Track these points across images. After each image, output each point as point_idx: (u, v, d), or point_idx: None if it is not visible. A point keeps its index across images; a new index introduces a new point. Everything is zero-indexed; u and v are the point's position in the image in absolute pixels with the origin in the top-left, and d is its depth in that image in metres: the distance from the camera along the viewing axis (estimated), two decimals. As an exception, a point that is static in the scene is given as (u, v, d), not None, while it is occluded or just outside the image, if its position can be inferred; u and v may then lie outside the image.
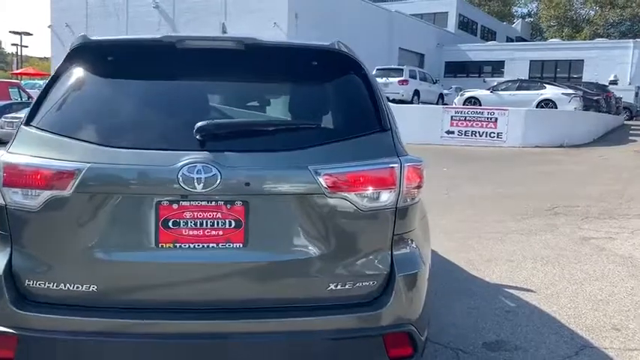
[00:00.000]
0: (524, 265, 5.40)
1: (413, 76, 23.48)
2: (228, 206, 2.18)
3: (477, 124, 19.02)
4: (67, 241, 2.18)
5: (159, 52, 2.42)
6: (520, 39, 52.61)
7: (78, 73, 2.40)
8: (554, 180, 11.38)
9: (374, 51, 32.46)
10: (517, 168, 13.35)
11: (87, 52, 2.42)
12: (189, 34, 2.45)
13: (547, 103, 20.52)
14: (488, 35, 50.66)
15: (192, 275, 2.21)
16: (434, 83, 25.74)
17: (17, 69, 44.82)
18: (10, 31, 61.49)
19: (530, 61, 37.70)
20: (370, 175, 2.24)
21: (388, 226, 2.30)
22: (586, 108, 20.83)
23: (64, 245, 2.18)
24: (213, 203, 2.17)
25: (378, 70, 23.41)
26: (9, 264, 2.21)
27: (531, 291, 4.68)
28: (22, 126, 2.30)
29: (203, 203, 2.17)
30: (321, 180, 2.17)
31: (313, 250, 2.23)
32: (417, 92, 23.21)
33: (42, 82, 31.39)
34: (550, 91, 20.91)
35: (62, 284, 2.19)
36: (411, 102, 22.44)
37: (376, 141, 2.34)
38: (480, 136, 18.84)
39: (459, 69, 40.07)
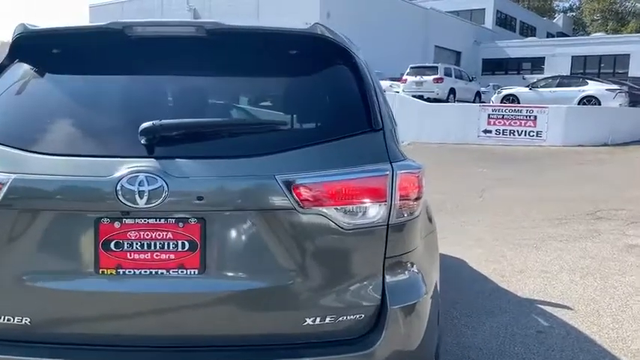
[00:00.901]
0: (560, 278, 4.88)
1: (448, 74, 22.87)
2: (181, 225, 1.81)
3: (515, 123, 18.29)
4: None
5: (105, 42, 2.06)
6: (561, 34, 50.96)
7: (15, 68, 2.09)
8: (597, 181, 10.66)
9: (409, 49, 31.90)
10: (557, 168, 12.65)
11: (27, 44, 2.09)
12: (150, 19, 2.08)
13: (590, 100, 19.57)
14: (528, 31, 49.20)
15: (138, 308, 1.86)
16: (470, 81, 25.02)
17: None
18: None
19: (572, 56, 36.32)
20: (354, 186, 1.84)
21: (378, 247, 1.89)
22: (632, 104, 19.75)
23: None
24: (162, 221, 1.81)
25: (411, 68, 22.91)
26: None
27: (568, 308, 4.17)
28: None
29: (150, 221, 1.81)
30: (292, 192, 1.78)
31: (285, 278, 1.84)
32: (452, 90, 22.60)
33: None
34: (593, 87, 19.95)
35: None
36: (447, 100, 21.83)
37: (363, 143, 1.93)
38: (519, 135, 18.12)
39: (497, 66, 38.96)
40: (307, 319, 1.85)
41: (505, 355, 3.39)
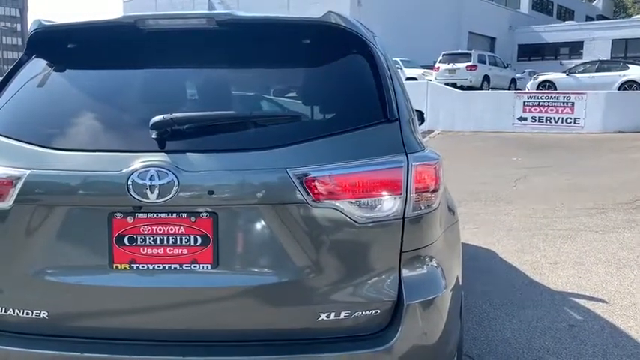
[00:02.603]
0: (595, 270, 4.72)
1: (482, 61, 22.42)
2: (193, 219, 1.79)
3: (551, 110, 17.83)
4: (11, 260, 1.88)
5: (118, 36, 2.05)
6: (601, 17, 49.31)
7: (31, 64, 2.10)
8: (637, 169, 10.30)
9: (442, 36, 31.37)
10: (595, 156, 12.27)
11: (41, 41, 2.11)
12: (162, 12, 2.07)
13: (631, 85, 18.90)
14: (566, 15, 47.77)
15: (152, 302, 1.86)
16: (505, 67, 24.48)
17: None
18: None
19: (613, 40, 35.09)
20: (368, 179, 1.78)
21: (394, 241, 1.84)
22: (676, 88, 19.04)
23: (8, 264, 1.88)
24: (175, 216, 1.79)
25: (444, 55, 22.54)
26: None
27: (603, 301, 4.03)
28: None
29: (163, 216, 1.80)
30: (304, 186, 1.74)
31: (298, 273, 1.81)
32: (486, 77, 22.16)
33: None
34: (634, 72, 19.24)
35: (11, 309, 1.89)
36: (481, 88, 21.42)
37: (378, 134, 1.88)
38: (555, 122, 17.66)
39: (533, 52, 37.95)
40: (322, 315, 1.82)
41: (534, 349, 3.30)
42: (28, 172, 1.81)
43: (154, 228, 1.80)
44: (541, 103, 18.06)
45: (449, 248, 2.10)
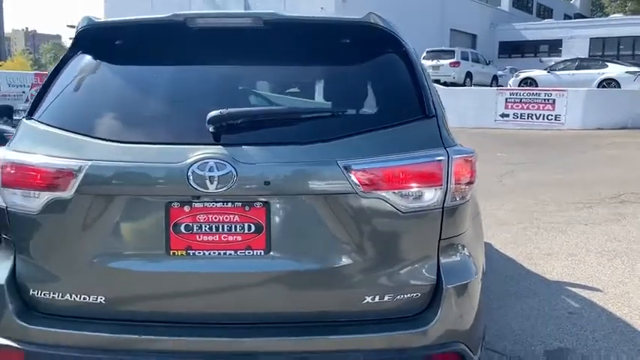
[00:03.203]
0: (588, 260, 4.94)
1: (465, 58, 22.75)
2: (247, 208, 1.90)
3: (533, 107, 18.19)
4: (71, 248, 1.97)
5: (168, 33, 2.15)
6: (579, 16, 50.06)
7: (82, 59, 2.18)
8: (619, 165, 10.62)
9: (424, 33, 31.51)
10: (577, 152, 12.59)
11: (91, 37, 2.19)
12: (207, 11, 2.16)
13: (609, 83, 19.37)
14: (545, 13, 48.41)
15: (208, 286, 1.96)
16: (487, 64, 24.84)
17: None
18: (67, 25, 63.41)
19: (591, 38, 35.73)
20: (411, 171, 1.91)
21: (434, 229, 1.97)
22: (653, 87, 19.55)
23: (67, 252, 1.97)
24: (230, 205, 1.90)
25: (427, 52, 22.77)
26: (12, 272, 2.02)
27: (597, 290, 4.23)
28: (24, 120, 2.10)
29: (218, 205, 1.90)
30: (353, 177, 1.87)
31: (345, 258, 1.93)
32: (469, 74, 22.50)
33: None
34: (613, 70, 19.72)
35: (68, 295, 1.98)
36: (464, 84, 21.72)
37: (418, 130, 2.01)
38: (537, 118, 18.03)
39: (514, 49, 38.45)
40: (367, 298, 1.95)
41: (537, 335, 3.47)
42: (89, 163, 1.89)
43: (210, 216, 1.91)
44: (523, 100, 18.40)
45: (476, 237, 2.24)
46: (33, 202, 1.94)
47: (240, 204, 1.90)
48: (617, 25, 35.44)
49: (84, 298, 1.97)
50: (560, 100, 17.71)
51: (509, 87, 20.97)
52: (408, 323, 1.97)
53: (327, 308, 1.97)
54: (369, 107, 2.11)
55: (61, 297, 1.99)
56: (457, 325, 2.00)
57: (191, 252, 1.93)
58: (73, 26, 51.19)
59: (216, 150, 1.87)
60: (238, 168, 1.84)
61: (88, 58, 2.18)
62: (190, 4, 33.60)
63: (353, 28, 2.17)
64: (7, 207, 2.00)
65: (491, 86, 22.76)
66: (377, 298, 1.95)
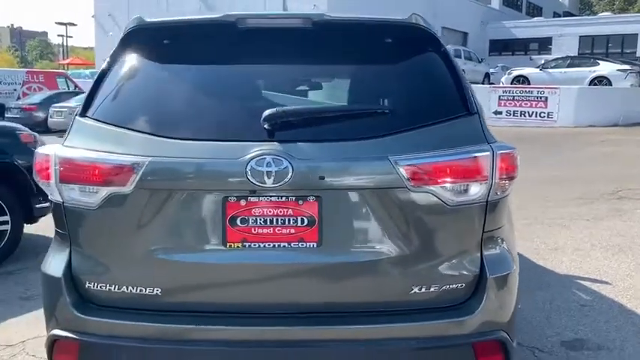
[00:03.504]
0: (593, 255, 5.06)
1: (457, 56, 22.85)
2: (301, 202, 1.98)
3: (526, 104, 18.41)
4: (128, 241, 2.03)
5: (219, 33, 2.22)
6: (568, 14, 50.56)
7: (133, 58, 2.23)
8: (614, 162, 10.81)
9: (416, 31, 31.58)
10: (571, 149, 12.79)
11: (142, 36, 2.24)
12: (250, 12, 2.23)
13: (601, 81, 19.61)
14: (534, 11, 48.88)
15: (261, 277, 2.03)
16: (479, 62, 25.03)
17: (63, 59, 45.86)
18: (56, 22, 62.83)
19: (580, 36, 36.14)
20: (458, 166, 1.99)
21: (478, 222, 2.06)
22: (643, 84, 19.85)
23: (124, 245, 2.04)
24: (284, 199, 1.98)
25: (421, 50, 22.81)
26: (69, 265, 2.09)
27: (606, 283, 4.36)
28: (77, 117, 2.15)
29: (273, 199, 1.98)
30: (404, 172, 1.94)
31: (394, 250, 2.01)
32: (462, 72, 22.60)
33: (88, 72, 32.02)
34: (604, 68, 19.97)
35: (125, 287, 2.05)
36: (456, 82, 21.81)
37: (462, 126, 2.09)
38: (530, 116, 18.25)
39: (504, 47, 38.79)
40: (414, 288, 2.03)
41: (553, 326, 3.58)
42: (149, 159, 1.95)
43: (265, 210, 1.98)
44: (516, 98, 18.60)
45: (510, 231, 2.33)
46: (92, 197, 2.00)
47: (294, 198, 1.97)
48: (606, 23, 35.84)
49: (140, 290, 2.03)
50: (552, 97, 17.93)
51: (501, 84, 21.16)
52: (453, 312, 2.05)
53: (376, 298, 2.05)
54: (416, 104, 2.18)
55: (117, 289, 2.05)
56: (498, 314, 2.09)
57: (246, 244, 2.00)
58: (62, 23, 50.81)
59: (273, 146, 1.94)
60: (294, 163, 1.92)
61: (138, 57, 2.23)
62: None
63: (397, 28, 2.25)
64: (63, 202, 2.05)
65: (483, 84, 22.94)
66: (423, 289, 2.03)
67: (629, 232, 5.76)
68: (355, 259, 2.01)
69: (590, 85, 19.48)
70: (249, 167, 1.91)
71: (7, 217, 4.78)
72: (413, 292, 2.03)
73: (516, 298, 2.18)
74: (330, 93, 2.33)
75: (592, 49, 34.69)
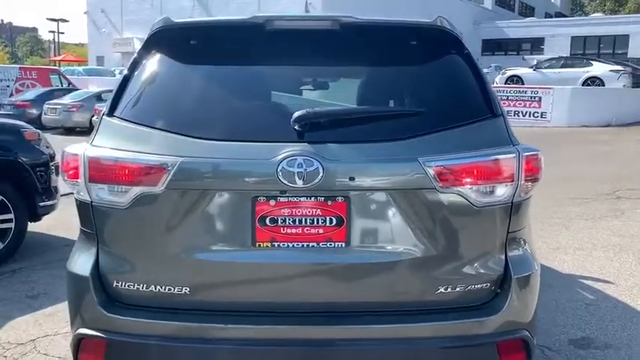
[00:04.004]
0: (595, 254, 5.12)
1: (452, 55, 22.90)
2: (329, 202, 2.00)
3: (519, 104, 18.51)
4: (157, 240, 2.04)
5: (247, 35, 2.23)
6: (560, 14, 50.92)
7: (160, 59, 2.23)
8: (609, 161, 10.92)
9: (409, 30, 31.67)
10: (566, 149, 12.87)
11: (168, 37, 2.25)
12: (276, 13, 2.25)
13: (594, 81, 19.77)
14: (527, 11, 49.16)
15: (290, 276, 2.05)
16: (473, 62, 25.08)
17: (55, 56, 45.51)
18: (47, 18, 62.29)
19: (572, 37, 36.42)
20: (486, 167, 2.02)
21: (503, 223, 2.09)
22: (636, 85, 20.01)
23: (153, 244, 2.05)
24: (313, 199, 2.00)
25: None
26: (96, 264, 2.10)
27: (609, 282, 4.42)
28: (105, 117, 2.15)
29: (302, 199, 2.00)
30: (432, 173, 1.97)
31: (421, 251, 2.04)
32: (455, 72, 22.64)
33: (81, 69, 31.83)
34: (597, 68, 20.13)
35: (153, 286, 2.06)
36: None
37: (488, 128, 2.12)
38: (524, 115, 18.34)
39: (497, 47, 39.02)
40: (440, 288, 2.06)
41: (559, 325, 3.63)
42: (181, 159, 1.97)
43: (294, 210, 2.00)
44: (510, 97, 18.68)
45: (530, 232, 2.37)
46: (121, 196, 2.01)
47: (322, 198, 2.00)
48: (598, 24, 36.11)
49: (168, 289, 2.05)
50: (546, 97, 18.04)
51: (495, 84, 21.27)
52: (478, 312, 2.08)
53: (402, 298, 2.08)
54: (442, 106, 2.20)
55: (145, 288, 2.06)
56: (522, 313, 2.13)
57: (275, 244, 2.01)
58: (53, 19, 50.33)
59: (303, 147, 1.96)
60: (325, 164, 1.94)
61: (165, 58, 2.24)
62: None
63: (423, 30, 2.28)
64: (92, 201, 2.06)
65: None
66: (449, 289, 2.06)
67: (628, 232, 5.83)
68: (382, 259, 2.04)
69: (583, 85, 19.63)
70: (280, 168, 1.93)
71: (11, 215, 4.76)
72: (439, 291, 2.06)
73: (537, 297, 2.22)
74: (357, 94, 2.35)
75: (584, 49, 34.98)
